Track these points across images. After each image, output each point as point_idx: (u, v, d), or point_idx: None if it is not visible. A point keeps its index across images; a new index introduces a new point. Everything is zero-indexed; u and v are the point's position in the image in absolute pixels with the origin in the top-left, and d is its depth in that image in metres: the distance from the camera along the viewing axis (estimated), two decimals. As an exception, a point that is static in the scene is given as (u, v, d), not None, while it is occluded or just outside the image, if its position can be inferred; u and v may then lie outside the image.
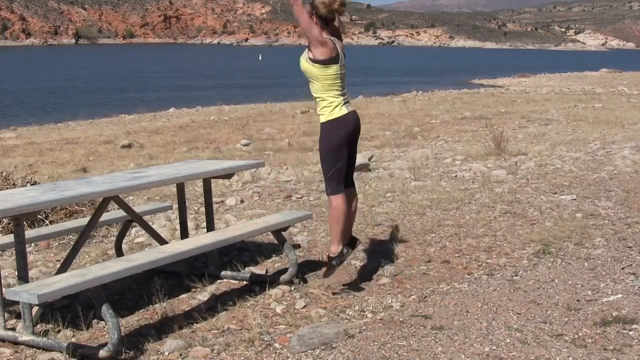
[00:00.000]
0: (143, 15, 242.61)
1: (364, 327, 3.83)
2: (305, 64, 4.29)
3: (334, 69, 4.24)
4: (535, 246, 5.23)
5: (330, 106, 4.26)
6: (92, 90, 41.64)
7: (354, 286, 4.50)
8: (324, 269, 4.48)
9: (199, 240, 4.33)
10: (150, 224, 5.59)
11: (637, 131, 12.09)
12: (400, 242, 5.46)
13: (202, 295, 4.51)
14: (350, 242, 4.52)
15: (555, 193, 6.98)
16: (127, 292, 4.60)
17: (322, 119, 4.29)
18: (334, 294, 4.37)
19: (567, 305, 4.02)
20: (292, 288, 4.51)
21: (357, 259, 5.07)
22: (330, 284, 4.52)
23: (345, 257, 4.43)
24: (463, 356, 3.41)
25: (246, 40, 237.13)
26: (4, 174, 7.25)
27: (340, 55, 4.28)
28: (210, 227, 5.06)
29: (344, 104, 4.29)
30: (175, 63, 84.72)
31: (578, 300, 4.11)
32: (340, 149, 4.27)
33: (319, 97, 4.30)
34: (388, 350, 3.52)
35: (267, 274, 4.82)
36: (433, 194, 7.03)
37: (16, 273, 3.97)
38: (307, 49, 4.30)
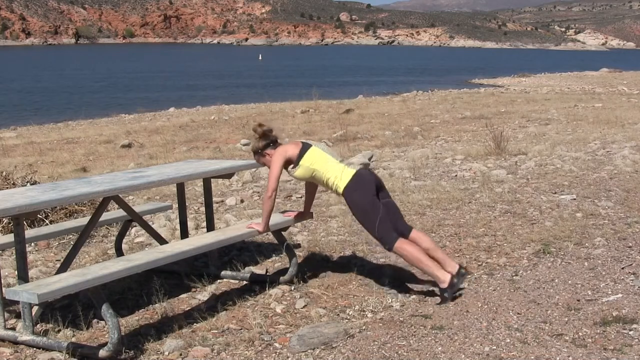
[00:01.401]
0: (143, 15, 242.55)
1: (364, 327, 3.83)
2: (298, 172, 4.35)
3: (314, 151, 4.33)
4: (535, 246, 5.22)
5: (339, 175, 4.27)
6: (99, 90, 41.65)
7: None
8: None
9: (199, 240, 4.33)
10: (150, 223, 5.59)
11: (637, 131, 12.09)
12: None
13: (202, 295, 4.51)
14: (458, 271, 4.23)
15: (555, 193, 6.98)
16: (127, 292, 4.60)
17: (341, 190, 4.26)
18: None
19: (567, 305, 4.02)
20: (292, 288, 4.51)
21: (357, 259, 5.08)
22: (331, 284, 4.53)
23: (456, 286, 4.17)
24: (463, 356, 3.40)
25: (246, 40, 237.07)
26: (4, 173, 7.25)
27: (306, 143, 4.43)
28: (210, 227, 5.07)
29: (348, 167, 4.37)
30: (175, 63, 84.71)
31: (578, 300, 4.10)
32: (370, 202, 4.18)
33: (327, 179, 4.31)
34: (388, 350, 3.52)
35: (267, 274, 4.82)
36: (433, 193, 7.03)
37: (16, 273, 3.97)
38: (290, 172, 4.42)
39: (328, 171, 4.30)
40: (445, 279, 4.11)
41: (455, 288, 4.14)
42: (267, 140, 4.44)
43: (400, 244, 4.13)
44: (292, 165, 4.34)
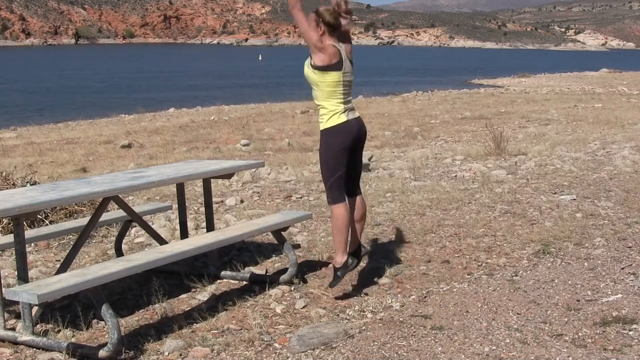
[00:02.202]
0: (143, 15, 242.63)
1: (363, 327, 3.83)
2: (306, 69, 4.23)
3: (333, 76, 4.14)
4: (535, 246, 5.22)
5: (329, 114, 4.18)
6: (101, 90, 41.65)
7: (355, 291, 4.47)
8: (327, 276, 4.44)
9: (199, 240, 4.33)
10: (150, 224, 5.59)
11: (637, 131, 12.09)
12: (400, 242, 5.46)
13: (202, 295, 4.51)
14: (355, 251, 4.41)
15: (555, 193, 6.98)
16: (127, 292, 4.60)
17: (321, 127, 4.22)
18: (336, 298, 4.35)
19: (567, 305, 4.02)
20: (292, 288, 4.51)
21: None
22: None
23: (350, 267, 4.34)
24: (463, 356, 3.40)
25: (246, 40, 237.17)
26: (4, 174, 7.25)
27: (344, 62, 4.17)
28: (210, 227, 5.06)
29: (344, 112, 4.19)
30: (174, 63, 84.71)
31: (578, 300, 4.10)
32: (338, 156, 4.18)
33: (319, 105, 4.23)
34: (388, 350, 3.52)
35: (267, 274, 4.82)
36: (433, 194, 7.03)
37: (16, 273, 3.96)
38: (309, 55, 4.22)
39: (326, 101, 4.18)
40: (341, 260, 4.26)
41: (349, 269, 4.32)
42: (336, 20, 4.16)
43: (340, 208, 4.22)
44: (312, 62, 4.15)
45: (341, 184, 4.24)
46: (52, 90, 41.43)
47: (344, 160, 4.22)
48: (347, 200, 4.31)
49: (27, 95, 37.94)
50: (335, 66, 4.14)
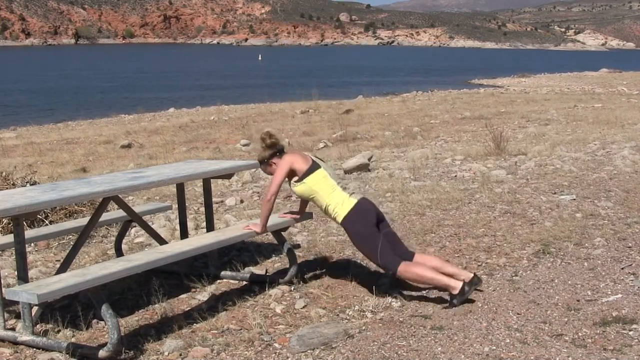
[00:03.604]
0: (143, 15, 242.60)
1: (363, 327, 3.83)
2: (297, 189, 4.36)
3: (318, 174, 4.30)
4: (535, 246, 5.23)
5: (338, 205, 4.27)
6: (106, 90, 41.66)
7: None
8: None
9: (199, 240, 4.33)
10: (150, 224, 5.59)
11: (637, 131, 12.09)
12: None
13: (202, 295, 4.51)
14: (472, 278, 4.19)
15: (555, 193, 6.98)
16: (127, 292, 4.60)
17: (340, 219, 4.27)
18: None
19: (567, 305, 4.02)
20: (292, 288, 4.51)
21: (357, 259, 5.08)
22: (331, 284, 4.53)
23: (467, 294, 4.10)
24: (463, 356, 3.41)
25: (246, 40, 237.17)
26: (4, 174, 7.25)
27: (316, 159, 4.39)
28: (210, 227, 5.07)
29: (350, 196, 4.31)
30: (174, 63, 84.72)
31: (578, 300, 4.11)
32: (372, 232, 4.21)
33: (328, 206, 4.30)
34: (388, 350, 3.52)
35: (267, 274, 4.83)
36: (433, 194, 7.03)
37: (16, 273, 3.96)
38: (292, 186, 4.40)
39: (329, 199, 4.29)
40: (456, 285, 4.09)
41: (465, 295, 4.10)
42: (273, 149, 4.47)
43: (405, 267, 4.16)
44: (296, 179, 4.36)
45: (390, 252, 4.20)
46: (56, 90, 41.40)
47: (376, 232, 4.24)
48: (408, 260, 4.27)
49: (30, 95, 37.91)
50: (314, 165, 4.34)
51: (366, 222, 4.23)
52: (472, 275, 4.21)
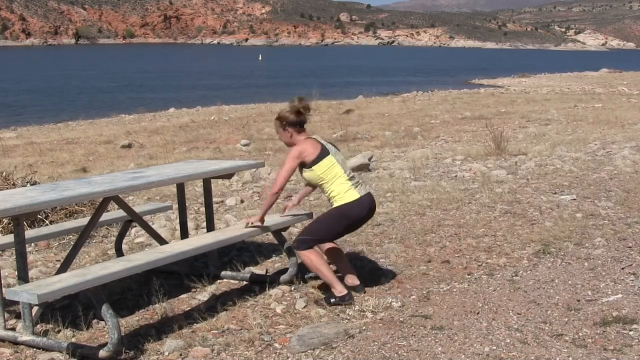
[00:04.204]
0: (143, 15, 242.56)
1: (364, 327, 3.83)
2: (305, 174, 4.33)
3: (326, 161, 4.25)
4: (535, 246, 5.22)
5: (339, 193, 4.24)
6: (110, 90, 41.68)
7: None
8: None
9: (199, 240, 4.33)
10: (150, 224, 5.59)
11: (637, 131, 12.09)
12: (400, 242, 5.46)
13: (202, 295, 4.51)
14: (357, 286, 4.36)
15: (555, 193, 6.98)
16: (127, 292, 4.60)
17: (334, 206, 4.27)
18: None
19: (567, 305, 4.02)
20: (292, 288, 4.51)
21: (357, 259, 5.07)
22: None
23: (347, 302, 4.20)
24: (463, 356, 3.40)
25: (246, 40, 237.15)
26: (4, 174, 7.25)
27: (327, 146, 4.32)
28: (210, 227, 5.07)
29: (354, 187, 4.28)
30: (174, 63, 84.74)
31: (578, 300, 4.11)
32: (339, 225, 4.25)
33: (330, 192, 4.28)
34: (388, 350, 3.52)
35: (267, 274, 4.82)
36: (433, 194, 7.03)
37: (16, 273, 3.96)
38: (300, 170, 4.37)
39: (334, 186, 4.27)
40: (342, 291, 4.23)
41: (346, 303, 4.18)
42: (298, 118, 4.33)
43: (309, 252, 4.22)
44: (305, 160, 4.28)
45: (322, 240, 4.31)
46: (56, 90, 41.39)
47: (340, 234, 4.34)
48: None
49: (31, 95, 37.90)
50: (322, 152, 4.26)
51: (349, 220, 4.25)
52: (357, 283, 4.38)
